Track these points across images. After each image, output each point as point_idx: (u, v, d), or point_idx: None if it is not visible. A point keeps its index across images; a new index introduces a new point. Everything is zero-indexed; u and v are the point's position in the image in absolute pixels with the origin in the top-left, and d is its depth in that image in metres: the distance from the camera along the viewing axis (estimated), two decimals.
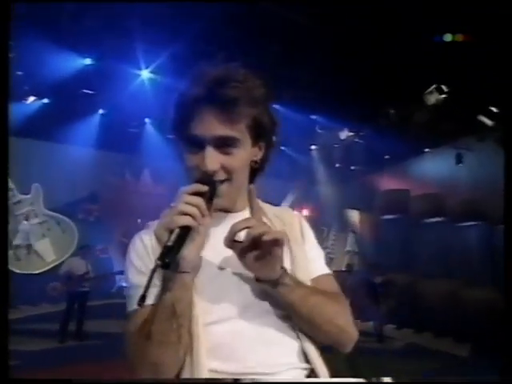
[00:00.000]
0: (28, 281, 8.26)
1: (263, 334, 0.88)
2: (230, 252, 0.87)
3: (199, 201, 0.81)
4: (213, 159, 0.88)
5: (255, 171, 1.00)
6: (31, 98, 8.79)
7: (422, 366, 5.30)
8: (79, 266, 6.37)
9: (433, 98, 6.27)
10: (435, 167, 9.12)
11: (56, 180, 8.82)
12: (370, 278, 6.84)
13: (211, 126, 0.88)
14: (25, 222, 8.88)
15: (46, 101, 8.60)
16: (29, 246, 8.84)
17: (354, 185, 11.48)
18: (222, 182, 0.90)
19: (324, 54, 6.10)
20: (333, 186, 11.61)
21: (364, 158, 10.65)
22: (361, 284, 6.79)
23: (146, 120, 9.29)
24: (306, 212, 11.24)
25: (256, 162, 0.97)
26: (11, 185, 8.97)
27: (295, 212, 1.13)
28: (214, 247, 0.88)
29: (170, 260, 0.76)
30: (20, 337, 6.32)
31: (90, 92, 8.08)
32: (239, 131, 0.90)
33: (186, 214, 0.79)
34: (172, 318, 0.82)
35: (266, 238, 0.81)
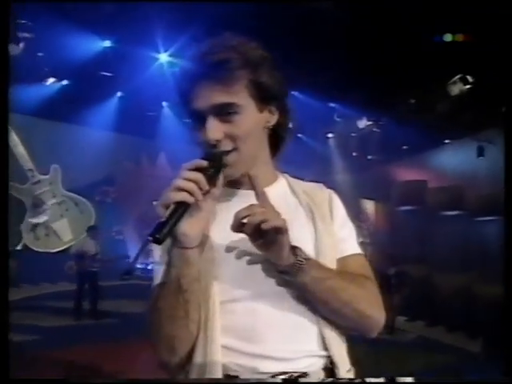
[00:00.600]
0: (46, 259, 8.48)
1: (281, 316, 0.86)
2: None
3: (198, 176, 0.79)
4: (214, 128, 0.85)
5: (276, 141, 0.97)
6: (51, 80, 8.89)
7: (432, 360, 5.27)
8: (90, 246, 6.48)
9: (456, 89, 6.08)
10: (455, 159, 8.91)
11: (74, 161, 8.93)
12: (383, 268, 6.79)
13: (208, 95, 0.85)
14: (44, 203, 9.05)
15: (65, 82, 8.68)
16: (47, 226, 9.03)
17: (370, 174, 11.33)
18: (228, 152, 0.86)
19: (343, 40, 5.96)
20: (348, 175, 11.48)
21: (381, 147, 10.48)
22: (375, 275, 6.73)
23: (164, 104, 9.29)
24: None
25: (272, 128, 0.94)
26: (31, 165, 9.14)
27: (327, 189, 1.05)
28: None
29: (160, 236, 0.75)
30: (37, 313, 6.54)
31: (109, 74, 8.11)
32: (238, 96, 0.87)
33: (182, 189, 0.78)
34: (178, 294, 0.82)
35: (264, 226, 0.77)
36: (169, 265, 0.83)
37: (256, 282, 0.87)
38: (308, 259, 0.85)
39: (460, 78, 6.02)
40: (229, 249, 0.88)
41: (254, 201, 0.83)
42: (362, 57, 6.21)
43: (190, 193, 0.78)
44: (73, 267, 6.32)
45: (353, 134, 10.74)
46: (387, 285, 6.67)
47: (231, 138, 0.87)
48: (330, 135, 11.07)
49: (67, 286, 7.87)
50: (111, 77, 8.23)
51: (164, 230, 0.76)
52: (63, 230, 9.23)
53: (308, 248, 0.89)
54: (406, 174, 10.86)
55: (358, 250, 1.01)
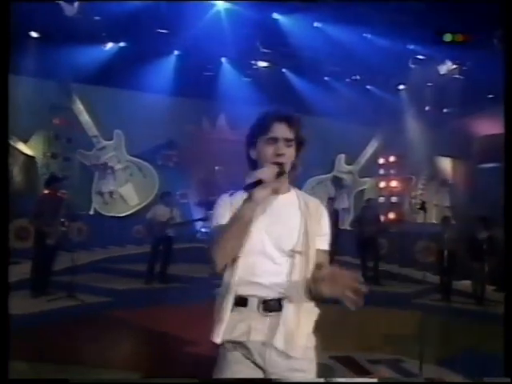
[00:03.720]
0: (114, 223, 8.65)
1: (272, 266, 1.47)
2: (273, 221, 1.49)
3: (274, 170, 1.42)
4: (282, 149, 1.49)
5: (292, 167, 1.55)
6: (109, 44, 8.75)
7: None
8: (163, 212, 6.37)
9: None
10: None
11: (136, 127, 8.86)
12: (473, 232, 6.01)
13: (282, 130, 1.50)
14: (107, 167, 9.17)
15: (122, 45, 8.49)
16: (111, 192, 9.19)
17: (447, 129, 10.15)
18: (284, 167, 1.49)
19: None
20: (423, 130, 10.40)
21: (462, 98, 9.24)
22: (462, 239, 6.02)
23: (223, 60, 8.83)
24: (392, 159, 10.29)
25: (293, 163, 1.53)
26: (95, 132, 9.24)
27: (319, 203, 1.59)
28: (265, 211, 1.47)
29: (247, 188, 1.37)
30: (107, 275, 6.66)
31: (165, 31, 7.77)
32: (294, 136, 1.52)
33: (264, 174, 1.38)
34: (245, 227, 1.40)
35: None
36: (241, 211, 1.40)
37: (267, 247, 1.47)
38: None
39: None
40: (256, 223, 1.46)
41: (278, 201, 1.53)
42: None
43: (268, 177, 1.38)
44: (141, 231, 6.28)
45: (428, 84, 9.64)
46: (478, 250, 5.91)
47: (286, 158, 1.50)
48: (401, 87, 10.04)
49: (135, 249, 8.00)
50: (167, 34, 7.88)
51: (250, 187, 1.36)
52: (129, 194, 9.36)
53: (296, 237, 1.48)
54: (488, 127, 9.57)
55: (327, 247, 1.54)
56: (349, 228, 8.67)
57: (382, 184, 10.45)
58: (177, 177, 9.50)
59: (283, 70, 8.98)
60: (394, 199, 10.27)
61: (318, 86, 9.03)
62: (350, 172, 10.80)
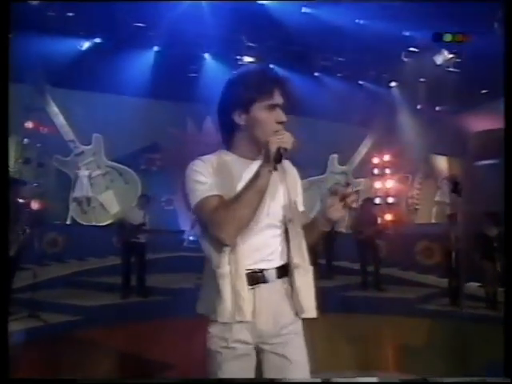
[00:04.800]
0: (94, 233, 8.03)
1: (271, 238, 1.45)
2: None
3: (291, 138, 1.35)
4: (283, 117, 1.44)
5: None
6: (86, 43, 8.25)
7: None
8: (136, 215, 5.80)
9: None
10: None
11: (116, 130, 8.36)
12: (483, 230, 5.53)
13: (281, 97, 1.41)
14: (85, 174, 8.58)
15: (97, 41, 7.98)
16: (89, 199, 8.59)
17: (442, 126, 9.78)
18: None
19: None
20: (418, 128, 10.02)
21: (458, 93, 8.85)
22: (471, 237, 5.54)
23: (206, 56, 8.34)
24: (386, 157, 9.86)
25: None
26: (72, 136, 8.66)
27: (291, 165, 1.56)
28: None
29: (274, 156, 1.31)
30: (83, 290, 6.03)
31: (142, 25, 7.28)
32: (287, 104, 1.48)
33: (286, 141, 1.33)
34: (262, 194, 1.32)
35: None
36: (259, 179, 1.31)
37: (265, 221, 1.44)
38: None
39: None
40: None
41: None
42: None
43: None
44: (116, 239, 5.66)
45: (421, 80, 9.27)
46: (489, 249, 5.42)
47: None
48: (393, 83, 9.66)
49: (116, 260, 7.37)
50: (145, 28, 7.39)
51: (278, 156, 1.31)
52: (109, 201, 8.75)
53: (285, 205, 1.48)
54: (485, 123, 9.22)
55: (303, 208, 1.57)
56: (345, 231, 8.16)
57: (378, 184, 10.00)
58: (161, 182, 8.95)
59: (270, 65, 8.51)
60: (390, 199, 9.81)
61: (308, 82, 8.57)
62: (343, 172, 10.34)
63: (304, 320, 1.45)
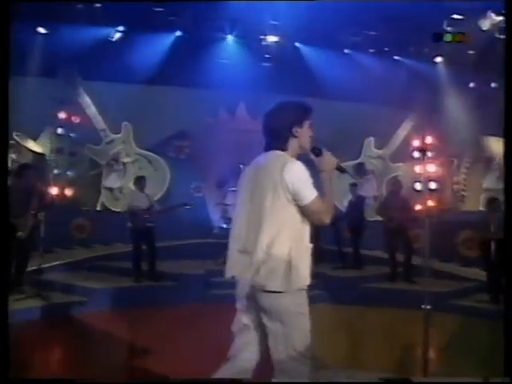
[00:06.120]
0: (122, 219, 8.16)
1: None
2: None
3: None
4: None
5: None
6: (117, 34, 8.34)
7: None
8: (141, 198, 5.74)
9: None
10: None
11: (145, 119, 8.40)
12: None
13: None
14: (115, 163, 8.76)
15: (123, 29, 8.02)
16: (121, 187, 8.75)
17: (494, 105, 8.77)
18: None
19: None
20: (465, 107, 9.12)
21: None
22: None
23: (229, 37, 8.09)
24: (429, 139, 9.06)
25: None
26: (103, 125, 8.85)
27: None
28: None
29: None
30: (102, 273, 6.11)
31: (162, 10, 7.19)
32: None
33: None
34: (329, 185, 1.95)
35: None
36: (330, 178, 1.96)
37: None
38: None
39: None
40: None
41: None
42: None
43: None
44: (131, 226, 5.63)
45: (469, 52, 8.37)
46: None
47: None
48: (438, 59, 8.81)
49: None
50: (165, 12, 7.30)
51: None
52: None
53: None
54: None
55: (310, 198, 1.89)
56: (379, 218, 7.64)
57: (418, 169, 9.23)
58: (190, 169, 8.92)
59: (296, 44, 8.08)
60: (432, 185, 9.03)
61: (337, 60, 8.06)
62: (380, 157, 9.68)
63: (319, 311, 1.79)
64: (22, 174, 4.77)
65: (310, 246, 1.86)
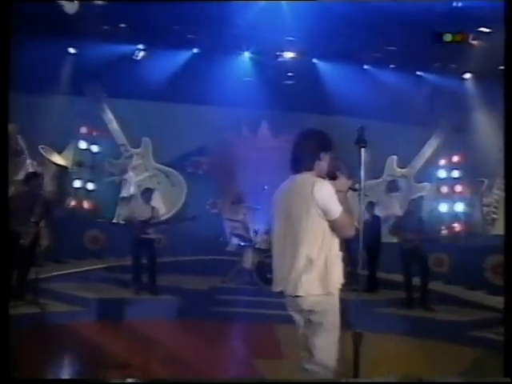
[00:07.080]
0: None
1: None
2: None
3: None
4: None
5: None
6: (141, 54, 8.57)
7: None
8: (143, 210, 5.71)
9: None
10: None
11: (164, 134, 8.58)
12: None
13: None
14: (131, 175, 8.90)
15: (143, 47, 8.23)
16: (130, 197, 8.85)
17: None
18: None
19: None
20: (496, 123, 8.61)
21: None
22: None
23: (246, 54, 8.09)
24: (455, 159, 8.61)
25: None
26: (123, 140, 9.06)
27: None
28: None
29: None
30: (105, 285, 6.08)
31: (178, 28, 7.33)
32: None
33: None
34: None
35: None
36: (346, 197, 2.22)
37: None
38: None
39: None
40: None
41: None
42: None
43: None
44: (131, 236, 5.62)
45: (500, 69, 7.94)
46: None
47: None
48: (467, 75, 8.43)
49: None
50: (183, 30, 7.43)
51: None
52: (157, 203, 8.90)
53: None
54: None
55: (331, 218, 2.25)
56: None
57: (445, 189, 8.78)
58: (207, 185, 8.91)
59: (314, 60, 7.96)
60: (459, 207, 8.54)
61: (357, 76, 7.86)
62: (403, 176, 9.27)
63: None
64: (29, 182, 4.87)
65: (340, 253, 2.15)
